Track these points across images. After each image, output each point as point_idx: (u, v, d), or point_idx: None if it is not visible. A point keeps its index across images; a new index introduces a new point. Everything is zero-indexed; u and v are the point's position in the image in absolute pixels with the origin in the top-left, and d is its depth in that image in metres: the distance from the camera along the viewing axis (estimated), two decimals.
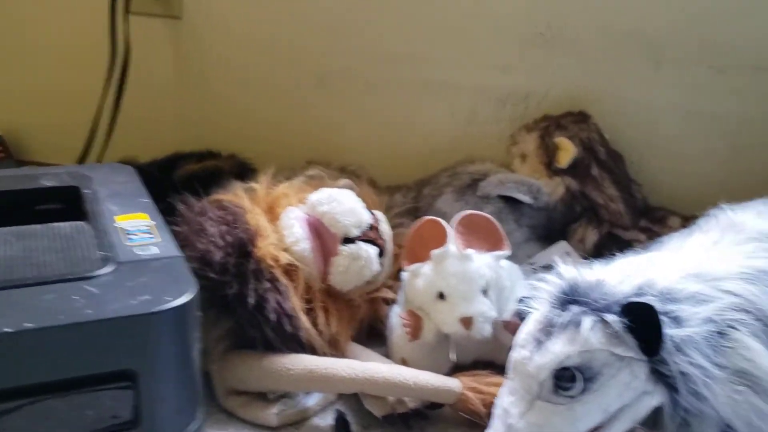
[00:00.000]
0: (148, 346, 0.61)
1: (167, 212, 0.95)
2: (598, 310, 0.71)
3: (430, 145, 1.45)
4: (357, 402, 0.92)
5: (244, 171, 1.30)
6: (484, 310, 0.92)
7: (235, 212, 0.97)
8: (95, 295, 0.62)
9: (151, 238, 0.75)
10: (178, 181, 1.25)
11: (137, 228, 0.77)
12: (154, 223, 0.79)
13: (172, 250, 0.72)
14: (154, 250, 0.71)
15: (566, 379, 0.70)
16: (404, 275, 1.01)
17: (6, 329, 0.55)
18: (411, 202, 1.27)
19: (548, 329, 0.73)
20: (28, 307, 0.59)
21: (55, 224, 0.79)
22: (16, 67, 1.58)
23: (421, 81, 1.43)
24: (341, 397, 0.94)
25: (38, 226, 0.78)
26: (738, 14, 1.22)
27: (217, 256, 0.89)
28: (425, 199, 1.26)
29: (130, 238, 0.74)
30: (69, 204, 0.90)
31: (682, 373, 0.69)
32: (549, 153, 1.24)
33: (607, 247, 0.81)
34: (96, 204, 0.84)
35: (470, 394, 0.87)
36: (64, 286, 0.63)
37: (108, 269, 0.66)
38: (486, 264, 0.94)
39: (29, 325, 0.56)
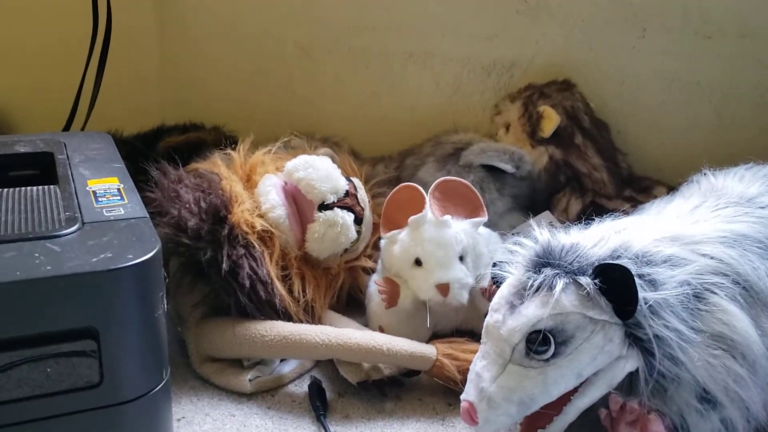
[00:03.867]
0: (109, 304, 0.60)
1: (149, 183, 0.95)
2: (572, 272, 0.71)
3: (415, 115, 1.44)
4: (332, 369, 0.91)
5: (227, 143, 1.29)
6: (461, 276, 0.91)
7: (210, 179, 0.96)
8: (56, 253, 0.60)
9: (120, 200, 0.74)
10: (161, 153, 1.24)
11: (107, 191, 0.76)
12: (123, 185, 0.78)
13: (139, 211, 0.71)
14: (121, 211, 0.70)
15: (539, 343, 0.69)
16: (382, 242, 1.00)
17: None
18: (393, 172, 1.26)
19: (521, 293, 0.72)
20: None
21: (25, 188, 0.78)
22: None
23: (405, 51, 1.41)
24: (317, 364, 0.94)
25: (7, 190, 0.77)
26: None
27: (192, 221, 0.88)
28: (408, 169, 1.25)
29: (98, 200, 0.73)
30: (43, 170, 0.88)
31: (658, 337, 0.68)
32: (532, 122, 1.23)
33: (590, 217, 0.80)
34: (68, 169, 0.83)
35: (446, 361, 0.86)
36: (25, 245, 0.62)
37: (72, 229, 0.65)
38: (463, 230, 0.93)
39: None
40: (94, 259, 0.60)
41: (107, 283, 0.59)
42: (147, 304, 0.63)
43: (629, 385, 0.73)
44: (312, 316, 0.95)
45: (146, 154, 1.18)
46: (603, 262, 0.70)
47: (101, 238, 0.64)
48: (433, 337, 0.95)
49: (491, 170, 1.17)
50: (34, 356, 0.58)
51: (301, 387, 0.90)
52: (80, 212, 0.70)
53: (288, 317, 0.91)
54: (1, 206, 0.72)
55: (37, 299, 0.57)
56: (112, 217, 0.69)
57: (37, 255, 0.60)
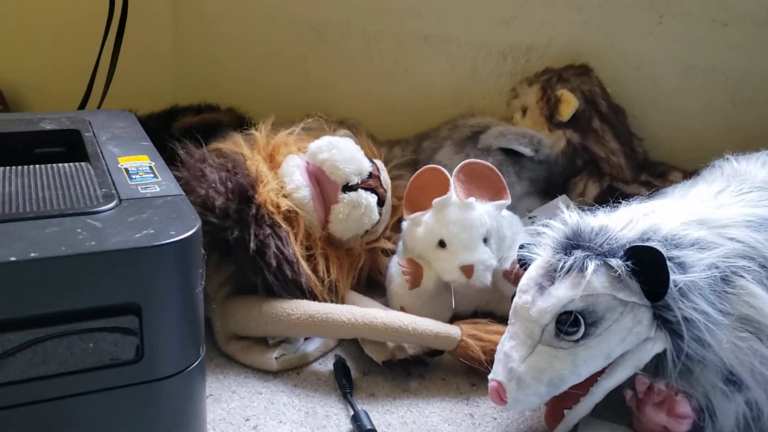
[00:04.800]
0: (152, 280, 0.60)
1: (167, 162, 0.94)
2: (602, 254, 0.71)
3: (431, 99, 1.44)
4: (357, 348, 0.92)
5: (242, 124, 1.29)
6: (485, 258, 0.91)
7: (235, 159, 0.96)
8: (98, 229, 0.61)
9: (153, 177, 0.74)
10: (177, 133, 1.24)
11: (139, 168, 0.76)
12: (154, 163, 0.78)
13: (174, 189, 0.71)
14: (156, 189, 0.71)
15: (569, 324, 0.70)
16: (404, 224, 1.00)
17: (11, 258, 0.54)
18: (410, 155, 1.27)
19: (551, 274, 0.73)
20: (30, 239, 0.58)
21: (57, 164, 0.78)
22: (12, 17, 1.55)
23: (421, 35, 1.41)
24: (341, 343, 0.95)
25: (39, 166, 0.77)
26: None
27: (219, 201, 0.88)
28: (425, 152, 1.25)
29: (132, 178, 0.73)
30: (70, 147, 0.88)
31: (686, 319, 0.69)
32: (550, 106, 1.23)
33: (607, 201, 0.81)
34: (97, 147, 0.83)
35: (470, 341, 0.87)
36: (66, 220, 0.62)
37: (110, 205, 0.66)
38: (487, 213, 0.94)
39: (34, 254, 0.55)
40: (137, 235, 0.60)
41: (151, 259, 0.59)
42: (188, 281, 0.63)
43: (656, 366, 0.74)
44: (336, 295, 0.96)
45: (161, 134, 1.18)
46: (634, 244, 0.70)
47: (140, 215, 0.64)
48: (454, 318, 0.96)
49: (509, 153, 1.17)
50: (78, 330, 0.59)
51: (326, 365, 0.90)
52: (116, 189, 0.70)
53: (313, 297, 0.91)
54: (36, 182, 0.72)
55: (81, 274, 0.57)
56: (148, 194, 0.69)
57: (79, 230, 0.60)
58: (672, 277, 0.69)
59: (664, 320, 0.71)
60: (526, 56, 1.35)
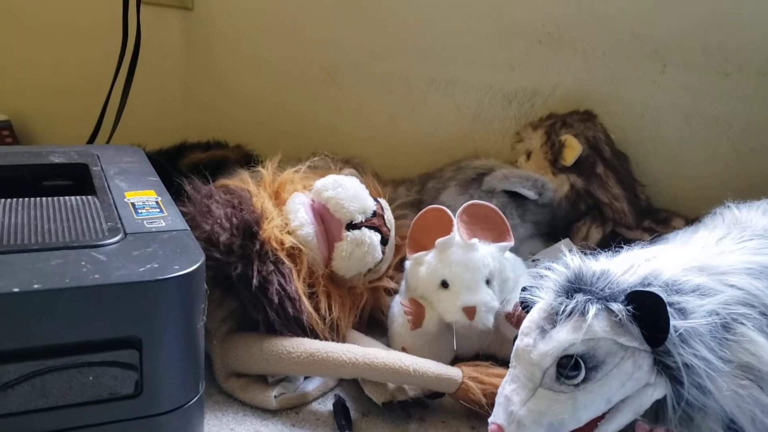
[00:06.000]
0: (154, 314, 0.60)
1: (174, 198, 0.96)
2: (603, 298, 0.71)
3: (436, 140, 1.45)
4: (357, 388, 0.92)
5: (249, 161, 1.31)
6: (488, 299, 0.91)
7: (241, 196, 0.97)
8: (102, 262, 0.61)
9: (159, 212, 0.75)
10: (185, 169, 1.25)
11: (145, 203, 0.77)
12: (161, 198, 0.79)
13: (180, 224, 0.72)
14: (162, 223, 0.71)
15: (570, 368, 0.70)
16: (407, 263, 1.01)
17: (14, 289, 0.55)
18: (415, 195, 1.27)
19: (553, 317, 0.73)
20: (34, 270, 0.59)
21: (63, 197, 0.79)
22: (26, 53, 1.58)
23: (427, 77, 1.43)
24: (341, 383, 0.94)
25: (46, 199, 0.78)
26: (744, 19, 1.22)
27: (223, 236, 0.89)
28: (429, 192, 1.26)
29: (138, 212, 0.74)
30: (77, 180, 0.90)
31: (686, 365, 0.69)
32: (554, 150, 1.24)
33: (610, 246, 0.81)
34: (105, 181, 0.84)
35: (471, 384, 0.86)
36: (71, 253, 0.63)
37: (115, 239, 0.66)
38: (490, 254, 0.94)
39: (37, 286, 0.56)
40: (141, 269, 0.60)
41: (153, 293, 0.60)
42: (189, 316, 0.64)
43: (656, 412, 0.74)
44: (337, 334, 0.95)
45: (169, 170, 1.20)
46: (635, 289, 0.71)
47: (145, 249, 0.65)
48: (456, 360, 0.95)
49: (513, 196, 1.18)
50: (78, 363, 0.59)
51: (325, 405, 0.90)
52: (121, 223, 0.71)
53: (314, 335, 0.91)
54: (42, 214, 0.73)
55: (84, 307, 0.58)
56: (153, 229, 0.70)
57: (83, 263, 0.61)
58: (672, 322, 0.69)
59: (664, 366, 0.70)
60: (531, 101, 1.37)
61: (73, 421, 0.62)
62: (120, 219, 0.72)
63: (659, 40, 1.27)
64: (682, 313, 0.71)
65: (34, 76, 1.59)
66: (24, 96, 1.59)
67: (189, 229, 0.72)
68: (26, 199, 0.77)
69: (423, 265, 0.96)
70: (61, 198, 0.79)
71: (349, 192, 0.97)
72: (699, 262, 0.77)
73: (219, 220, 0.90)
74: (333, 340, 0.93)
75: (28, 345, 0.57)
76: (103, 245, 0.65)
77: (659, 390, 0.71)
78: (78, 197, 0.79)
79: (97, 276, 0.59)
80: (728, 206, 0.93)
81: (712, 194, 0.96)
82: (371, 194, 1.02)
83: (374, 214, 0.99)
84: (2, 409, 0.58)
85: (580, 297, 0.72)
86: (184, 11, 1.56)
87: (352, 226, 0.97)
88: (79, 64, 1.56)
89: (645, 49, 1.28)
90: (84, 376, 0.60)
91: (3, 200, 0.76)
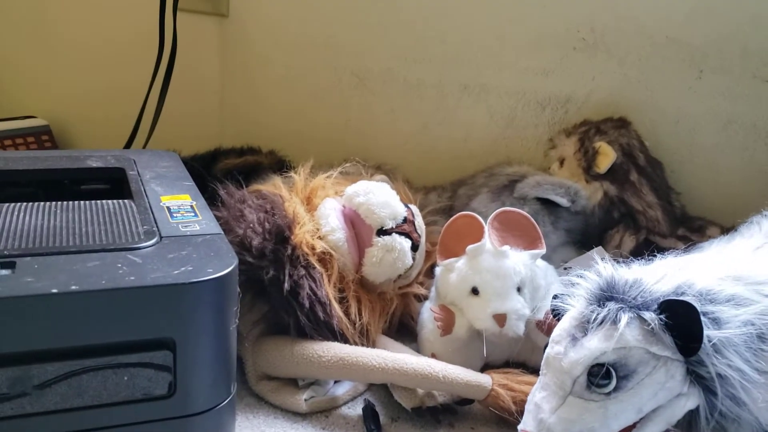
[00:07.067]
0: (188, 316, 0.61)
1: (208, 203, 0.97)
2: (635, 307, 0.71)
3: (468, 147, 1.45)
4: (386, 393, 0.92)
5: (282, 167, 1.32)
6: (518, 307, 0.91)
7: (273, 201, 0.98)
8: (138, 265, 0.63)
9: (194, 216, 0.76)
10: (219, 174, 1.27)
11: (180, 207, 0.78)
12: (195, 203, 0.80)
13: (214, 228, 0.73)
14: (196, 227, 0.73)
15: (600, 376, 0.69)
16: (437, 270, 1.01)
17: (53, 290, 0.56)
18: (446, 201, 1.27)
19: (584, 326, 0.73)
20: (72, 272, 0.60)
21: (101, 201, 0.81)
22: (65, 60, 1.62)
23: (460, 83, 1.43)
24: (371, 387, 0.95)
25: (84, 202, 0.80)
26: None
27: (256, 240, 0.90)
28: (460, 199, 1.26)
29: (173, 216, 0.75)
30: (114, 184, 0.91)
31: (720, 376, 0.68)
32: (588, 157, 1.23)
33: (643, 255, 0.80)
34: (141, 185, 0.86)
35: (501, 391, 0.86)
36: (107, 255, 0.64)
37: (151, 242, 0.68)
38: (521, 261, 0.94)
39: (75, 287, 0.57)
40: (176, 272, 0.62)
41: (188, 295, 0.61)
42: (223, 318, 0.65)
43: (689, 423, 0.73)
44: (367, 339, 0.96)
45: (204, 175, 1.21)
46: (668, 298, 0.70)
47: (180, 252, 0.66)
48: (486, 367, 0.95)
49: (546, 203, 1.17)
50: (113, 364, 0.60)
51: (354, 410, 0.90)
52: (157, 226, 0.72)
53: (344, 339, 0.92)
54: (80, 217, 0.75)
55: (120, 308, 0.59)
56: (188, 233, 0.71)
57: (120, 265, 0.62)
58: (706, 332, 0.68)
59: (697, 376, 0.69)
60: (564, 107, 1.36)
61: (107, 421, 0.63)
62: (156, 222, 0.73)
63: (695, 46, 1.25)
64: (716, 322, 0.70)
65: (73, 83, 1.62)
66: (63, 102, 1.63)
67: (222, 233, 0.73)
68: (64, 202, 0.79)
69: (453, 271, 0.96)
70: (98, 201, 0.80)
71: (380, 198, 0.98)
72: (734, 271, 0.76)
73: (252, 225, 0.91)
74: (363, 345, 0.94)
75: (65, 345, 0.58)
76: (139, 248, 0.66)
77: (692, 400, 0.70)
78: (115, 201, 0.81)
79: (132, 278, 0.60)
80: (765, 215, 0.91)
81: (749, 202, 0.95)
82: (402, 200, 1.03)
83: (405, 220, 0.99)
84: (40, 407, 0.59)
85: (612, 305, 0.71)
86: (219, 18, 1.58)
87: (382, 232, 0.97)
88: (116, 72, 1.59)
89: (681, 55, 1.27)
90: (119, 376, 0.61)
91: (42, 203, 0.78)
